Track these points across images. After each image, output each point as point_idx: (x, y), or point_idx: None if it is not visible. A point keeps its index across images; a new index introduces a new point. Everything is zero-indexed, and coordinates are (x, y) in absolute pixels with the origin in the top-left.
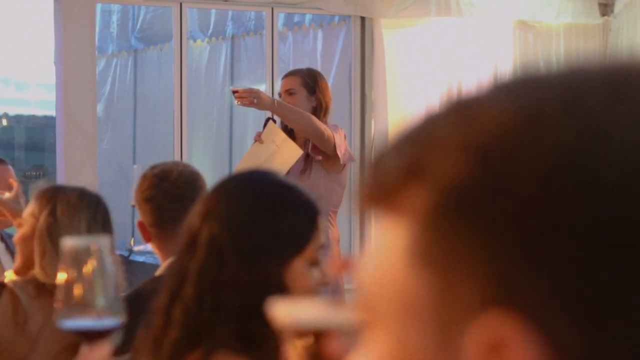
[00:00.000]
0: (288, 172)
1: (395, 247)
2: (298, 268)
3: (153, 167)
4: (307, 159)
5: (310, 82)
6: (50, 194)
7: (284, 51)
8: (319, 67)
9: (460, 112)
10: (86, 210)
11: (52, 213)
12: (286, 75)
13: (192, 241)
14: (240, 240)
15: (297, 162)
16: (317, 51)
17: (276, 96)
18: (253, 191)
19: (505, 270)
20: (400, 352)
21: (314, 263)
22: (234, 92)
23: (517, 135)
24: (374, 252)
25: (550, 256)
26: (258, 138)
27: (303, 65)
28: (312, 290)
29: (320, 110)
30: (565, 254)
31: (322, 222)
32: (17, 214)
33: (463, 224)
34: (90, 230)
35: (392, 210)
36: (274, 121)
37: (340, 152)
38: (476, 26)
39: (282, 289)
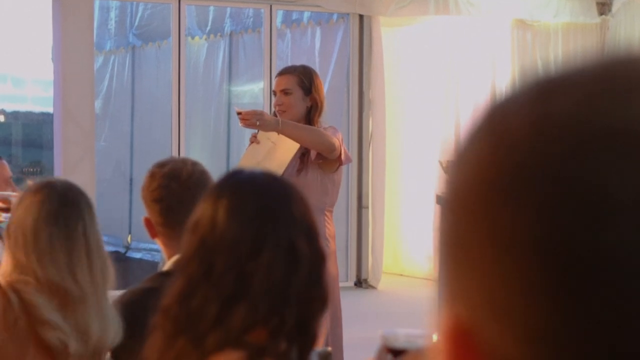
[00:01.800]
0: (284, 172)
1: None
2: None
3: (161, 165)
4: (302, 158)
5: (306, 81)
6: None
7: (282, 49)
8: (316, 65)
9: (487, 127)
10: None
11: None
12: (281, 74)
13: (249, 247)
14: (276, 233)
15: (292, 161)
16: (315, 49)
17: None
18: (269, 187)
19: (456, 270)
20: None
21: None
22: (238, 113)
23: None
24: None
25: (482, 265)
26: (254, 139)
27: (301, 62)
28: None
29: (315, 110)
30: (496, 265)
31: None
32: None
33: (446, 222)
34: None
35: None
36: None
37: (342, 156)
38: (474, 25)
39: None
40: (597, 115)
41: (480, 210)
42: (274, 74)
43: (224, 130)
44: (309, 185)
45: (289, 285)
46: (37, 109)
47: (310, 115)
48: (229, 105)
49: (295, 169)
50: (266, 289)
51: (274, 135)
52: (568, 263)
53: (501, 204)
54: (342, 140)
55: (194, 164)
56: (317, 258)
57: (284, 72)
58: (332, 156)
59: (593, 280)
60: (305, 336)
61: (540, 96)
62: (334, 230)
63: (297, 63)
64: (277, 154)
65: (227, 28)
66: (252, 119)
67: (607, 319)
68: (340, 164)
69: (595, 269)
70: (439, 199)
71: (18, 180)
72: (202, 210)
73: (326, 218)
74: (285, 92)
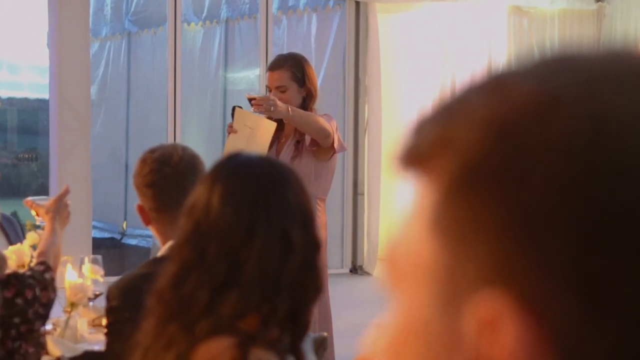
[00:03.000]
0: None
1: (420, 213)
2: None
3: (152, 151)
4: (297, 145)
5: (298, 74)
6: None
7: (278, 35)
8: (312, 52)
9: (492, 87)
10: None
11: None
12: (273, 69)
13: (242, 232)
14: (285, 213)
15: (287, 148)
16: (312, 35)
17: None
18: (260, 173)
19: (505, 249)
20: (409, 319)
21: None
22: (250, 99)
23: (535, 116)
24: (404, 217)
25: (551, 240)
26: (230, 129)
27: (296, 49)
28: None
29: (310, 99)
30: (566, 239)
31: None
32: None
33: (474, 199)
34: None
35: (423, 176)
36: (240, 107)
37: (335, 144)
38: (471, 11)
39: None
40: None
41: (571, 186)
42: (270, 60)
43: (220, 117)
44: (303, 172)
45: (281, 272)
46: (32, 95)
47: (306, 104)
48: (225, 91)
49: (289, 156)
50: (258, 276)
51: (249, 120)
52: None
53: (604, 188)
54: (336, 129)
55: (184, 148)
56: (311, 245)
57: (275, 67)
58: (325, 144)
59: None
60: (298, 323)
61: (589, 85)
62: (326, 220)
63: (294, 50)
64: (257, 138)
65: (223, 14)
66: (265, 105)
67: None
68: (334, 152)
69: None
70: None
71: (13, 166)
72: (197, 195)
73: (318, 207)
74: (279, 88)
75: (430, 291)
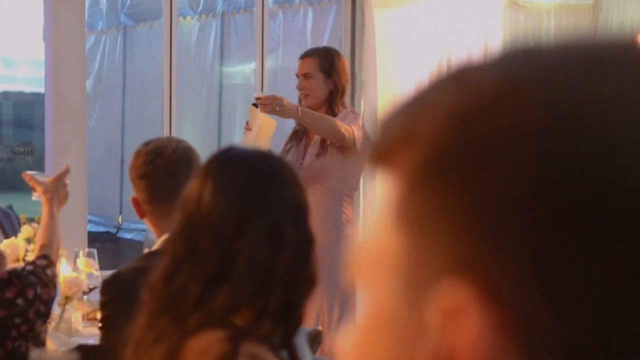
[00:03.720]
0: (304, 156)
1: (386, 207)
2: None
3: (147, 144)
4: (323, 142)
5: (327, 64)
6: None
7: (274, 29)
8: (308, 46)
9: (455, 80)
10: None
11: None
12: (303, 57)
13: (233, 225)
14: (277, 208)
15: (314, 145)
16: (307, 29)
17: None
18: (252, 166)
19: (467, 239)
20: (377, 312)
21: None
22: (257, 99)
23: (496, 106)
24: (373, 212)
25: (512, 230)
26: (247, 126)
27: (292, 43)
28: None
29: (336, 93)
30: (526, 229)
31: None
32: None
33: (436, 190)
34: None
35: (389, 171)
36: (255, 106)
37: (358, 142)
38: (467, 6)
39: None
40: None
41: (530, 174)
42: (266, 54)
43: (216, 111)
44: (329, 169)
45: (272, 267)
46: (28, 89)
47: (333, 97)
48: (221, 85)
49: (315, 153)
50: (250, 270)
51: (258, 118)
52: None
53: (565, 173)
54: (362, 126)
55: (179, 141)
56: (304, 239)
57: (306, 55)
58: (346, 144)
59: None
60: (290, 318)
61: (551, 68)
62: (352, 215)
63: (289, 44)
64: (260, 137)
65: (219, 8)
66: (272, 104)
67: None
68: (357, 152)
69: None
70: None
71: (9, 160)
72: (190, 188)
73: (344, 203)
74: (306, 76)
75: (396, 283)
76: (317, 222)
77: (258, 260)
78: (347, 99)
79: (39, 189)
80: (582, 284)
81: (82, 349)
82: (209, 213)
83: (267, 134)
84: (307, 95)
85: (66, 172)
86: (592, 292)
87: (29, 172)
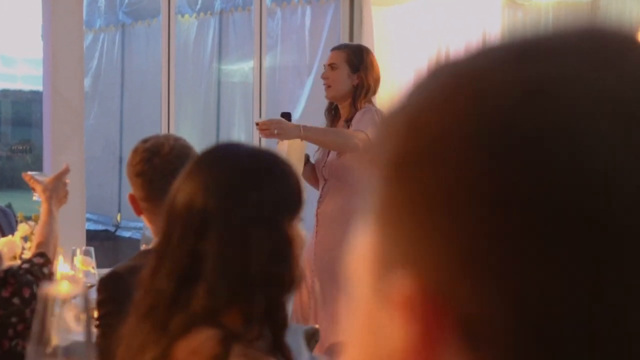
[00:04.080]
0: (329, 153)
1: (367, 210)
2: (297, 228)
3: (145, 141)
4: None
5: (355, 59)
6: None
7: (273, 27)
8: (306, 44)
9: (424, 82)
10: None
11: None
12: (334, 49)
13: (200, 221)
14: (240, 211)
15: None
16: (306, 27)
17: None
18: (234, 162)
19: (413, 234)
20: (357, 310)
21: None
22: (256, 124)
23: (434, 108)
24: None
25: (452, 225)
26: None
27: (291, 41)
28: (303, 249)
29: (361, 89)
30: (466, 225)
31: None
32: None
33: (394, 187)
34: None
35: (373, 172)
36: (286, 115)
37: None
38: (465, 4)
39: (291, 252)
40: (580, 80)
41: (446, 161)
42: (264, 52)
43: (214, 109)
44: (351, 166)
45: (246, 267)
46: (26, 87)
47: (356, 93)
48: (219, 83)
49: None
50: (221, 270)
51: None
52: (559, 221)
53: (473, 152)
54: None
55: (177, 139)
56: (283, 239)
57: (336, 47)
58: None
59: (586, 240)
60: (275, 319)
61: (521, 57)
62: None
63: (287, 42)
64: (291, 155)
65: (217, 6)
66: (270, 129)
67: (591, 265)
68: None
69: (572, 215)
70: (377, 162)
71: (7, 159)
72: (175, 182)
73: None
74: (332, 66)
75: (368, 278)
76: (337, 217)
77: (228, 260)
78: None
79: (38, 187)
80: (516, 276)
81: (78, 347)
82: (179, 206)
83: (296, 153)
84: (329, 86)
85: (66, 171)
86: (529, 290)
87: (29, 172)
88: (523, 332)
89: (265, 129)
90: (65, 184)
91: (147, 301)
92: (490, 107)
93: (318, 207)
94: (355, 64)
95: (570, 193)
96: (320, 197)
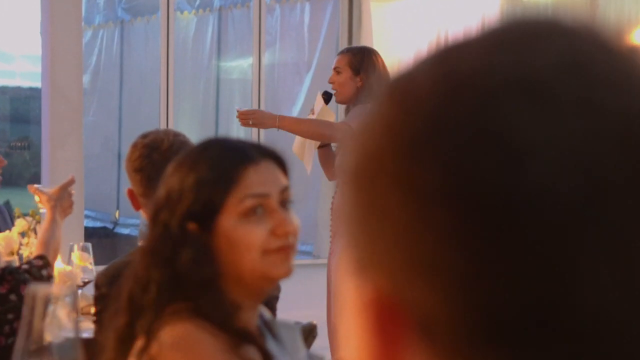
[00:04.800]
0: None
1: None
2: (227, 227)
3: (144, 136)
4: None
5: (356, 61)
6: None
7: (272, 24)
8: (305, 41)
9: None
10: None
11: None
12: (339, 53)
13: (152, 216)
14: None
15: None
16: (305, 24)
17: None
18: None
19: (368, 241)
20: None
21: (249, 215)
22: (238, 111)
23: (373, 122)
24: None
25: (398, 228)
26: (311, 111)
27: (289, 38)
28: (254, 245)
29: (365, 91)
30: (410, 226)
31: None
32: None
33: (353, 194)
34: None
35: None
36: (325, 95)
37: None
38: (464, 0)
39: (209, 252)
40: (498, 67)
41: (392, 172)
42: (263, 49)
43: (213, 106)
44: None
45: (173, 265)
46: (25, 83)
47: (360, 95)
48: (218, 80)
49: None
50: (153, 264)
51: (318, 107)
52: (483, 209)
53: (414, 161)
54: None
55: (176, 134)
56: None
57: (341, 51)
58: (336, 141)
59: (510, 227)
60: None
61: (442, 57)
62: None
63: (286, 39)
64: (303, 144)
65: (216, 3)
66: (246, 119)
67: (522, 263)
68: None
69: (513, 213)
70: (342, 174)
71: (6, 155)
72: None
73: None
74: (336, 70)
75: (346, 286)
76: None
77: (159, 255)
78: None
79: (43, 198)
80: (459, 273)
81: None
82: (155, 203)
83: (304, 148)
84: (336, 90)
85: (71, 182)
86: (467, 279)
87: (35, 185)
88: (472, 325)
89: (242, 118)
90: (70, 194)
91: (125, 294)
92: (412, 114)
93: (333, 198)
94: (356, 66)
95: (488, 183)
96: (336, 191)
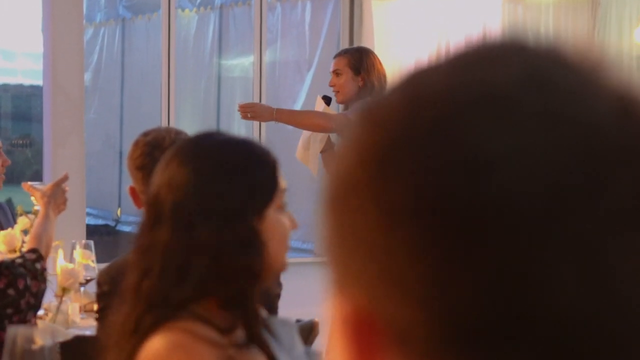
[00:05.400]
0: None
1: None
2: (271, 218)
3: (145, 134)
4: None
5: (355, 62)
6: None
7: (273, 22)
8: (306, 39)
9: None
10: None
11: None
12: (336, 55)
13: (157, 214)
14: (208, 203)
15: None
16: (306, 22)
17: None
18: (207, 154)
19: (343, 255)
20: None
21: (281, 208)
22: (239, 105)
23: (346, 147)
24: None
25: (370, 245)
26: None
27: (291, 36)
28: (286, 237)
29: (366, 89)
30: (381, 243)
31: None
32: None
33: (330, 215)
34: None
35: None
36: (325, 98)
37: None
38: None
39: (260, 242)
40: (459, 87)
41: (363, 191)
42: (264, 47)
43: (214, 104)
44: None
45: (189, 265)
46: (27, 81)
47: (363, 94)
48: (219, 78)
49: None
50: (166, 264)
51: (321, 110)
52: (448, 221)
53: (382, 180)
54: None
55: (178, 132)
56: (248, 230)
57: (338, 54)
58: (332, 131)
59: (474, 237)
60: (246, 309)
61: (408, 81)
62: None
63: (287, 37)
64: (306, 150)
65: (218, 1)
66: (245, 112)
67: (488, 271)
68: None
69: (477, 223)
70: (321, 197)
71: (8, 153)
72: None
73: None
74: (336, 72)
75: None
76: None
77: (172, 257)
78: None
79: (37, 194)
80: (431, 285)
81: (79, 340)
82: (148, 200)
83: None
84: (338, 92)
85: (65, 178)
86: (440, 290)
87: (28, 182)
88: (446, 333)
89: (242, 112)
90: (64, 191)
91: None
92: (379, 135)
93: None
94: (356, 66)
95: (452, 197)
96: None
